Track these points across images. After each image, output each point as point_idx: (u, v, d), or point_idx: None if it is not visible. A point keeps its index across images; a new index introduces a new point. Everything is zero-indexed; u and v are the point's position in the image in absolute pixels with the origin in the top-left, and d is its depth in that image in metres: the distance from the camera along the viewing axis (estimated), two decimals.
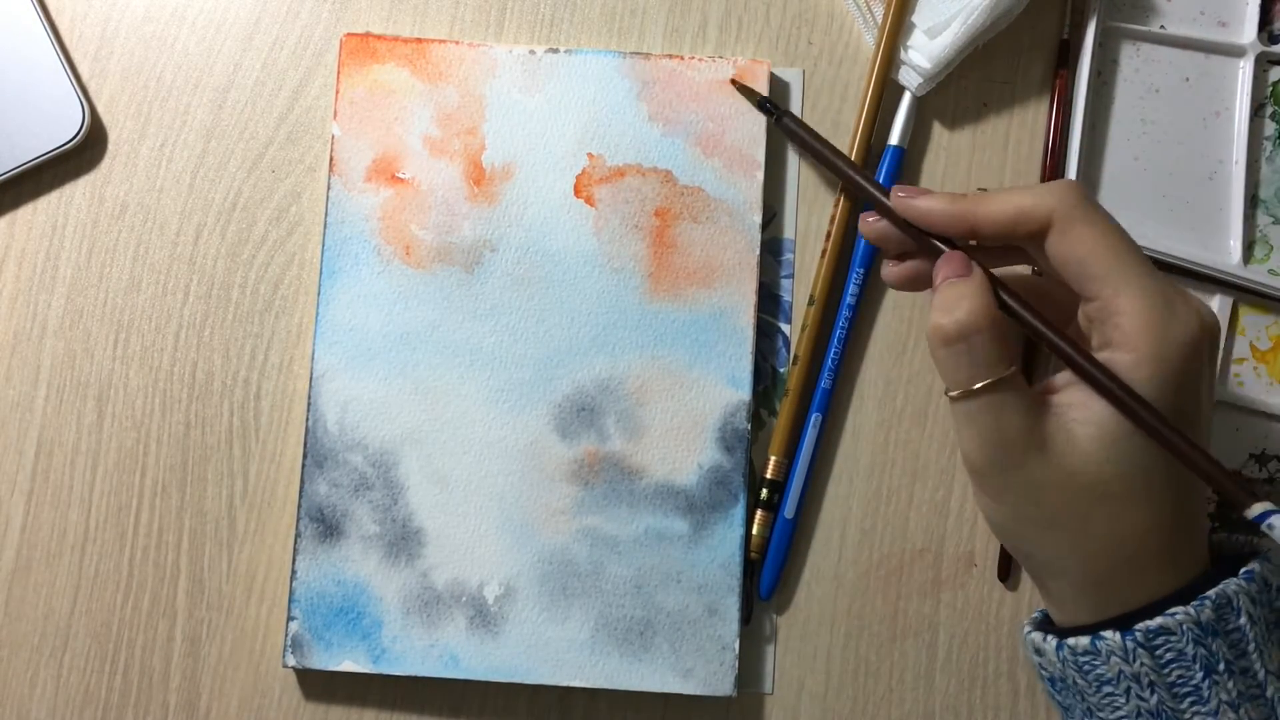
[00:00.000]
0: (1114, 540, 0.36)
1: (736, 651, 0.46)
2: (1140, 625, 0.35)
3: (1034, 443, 0.36)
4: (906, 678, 0.48)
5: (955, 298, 0.37)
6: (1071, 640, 0.36)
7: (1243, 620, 0.35)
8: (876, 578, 0.48)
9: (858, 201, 0.49)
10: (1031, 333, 0.37)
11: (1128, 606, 0.36)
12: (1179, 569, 0.36)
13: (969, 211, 0.38)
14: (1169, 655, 0.35)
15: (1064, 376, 0.37)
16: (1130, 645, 0.35)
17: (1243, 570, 0.36)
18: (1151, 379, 0.35)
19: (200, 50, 0.50)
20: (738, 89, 0.48)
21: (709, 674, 0.46)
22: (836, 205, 0.49)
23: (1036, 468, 0.36)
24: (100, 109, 0.50)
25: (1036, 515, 0.37)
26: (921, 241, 0.40)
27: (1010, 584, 0.48)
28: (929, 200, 0.39)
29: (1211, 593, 0.35)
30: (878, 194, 0.41)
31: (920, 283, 0.41)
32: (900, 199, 0.39)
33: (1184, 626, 0.34)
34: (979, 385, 0.36)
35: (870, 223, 0.41)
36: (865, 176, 0.42)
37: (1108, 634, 0.35)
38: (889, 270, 0.42)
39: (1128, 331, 0.35)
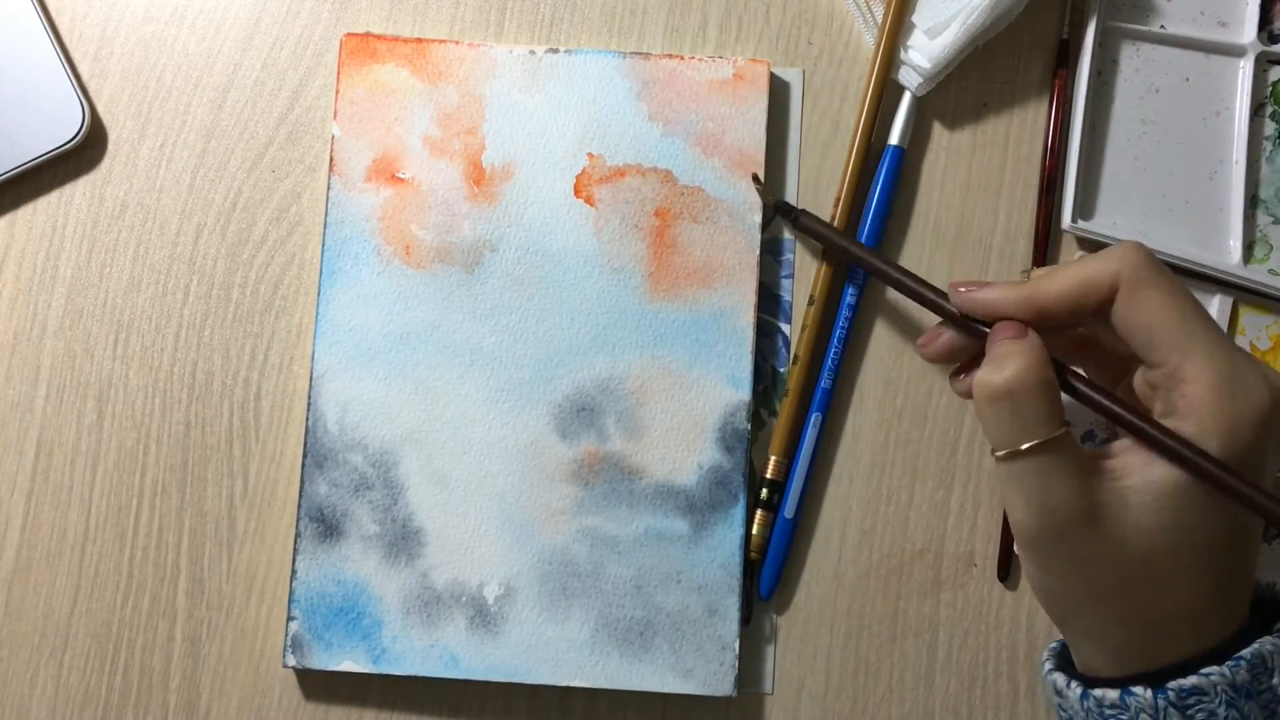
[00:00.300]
0: (1160, 613, 0.35)
1: (736, 651, 0.46)
2: (1174, 684, 0.34)
3: (1084, 508, 0.34)
4: (906, 678, 0.48)
5: (1005, 354, 0.36)
6: (1098, 692, 0.35)
7: (1276, 680, 0.34)
8: (876, 578, 0.48)
9: (858, 201, 0.49)
10: (1094, 407, 0.36)
11: (1159, 662, 0.35)
12: (1216, 628, 0.35)
13: (1035, 294, 0.37)
14: (1200, 715, 0.34)
15: (1120, 443, 0.36)
16: (1161, 704, 0.34)
17: (1277, 626, 0.35)
18: (1219, 452, 0.34)
19: (200, 50, 0.50)
20: (754, 181, 0.48)
21: (709, 674, 0.46)
22: (836, 205, 0.49)
23: (1086, 537, 0.35)
24: (100, 109, 0.50)
25: (1084, 588, 0.35)
26: (975, 332, 0.39)
27: (1010, 584, 0.48)
28: (991, 292, 0.38)
29: (1246, 652, 0.34)
30: (931, 294, 0.40)
31: (960, 354, 0.40)
32: (962, 294, 0.39)
33: (1218, 688, 0.33)
34: (1027, 445, 0.35)
35: (928, 345, 0.40)
36: (910, 275, 0.42)
37: (1138, 690, 0.34)
38: (928, 347, 0.41)
39: (1194, 402, 0.34)
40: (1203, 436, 0.34)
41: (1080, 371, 0.38)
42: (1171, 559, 0.34)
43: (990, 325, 0.39)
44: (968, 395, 0.40)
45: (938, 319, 0.42)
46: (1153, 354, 0.35)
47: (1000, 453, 0.36)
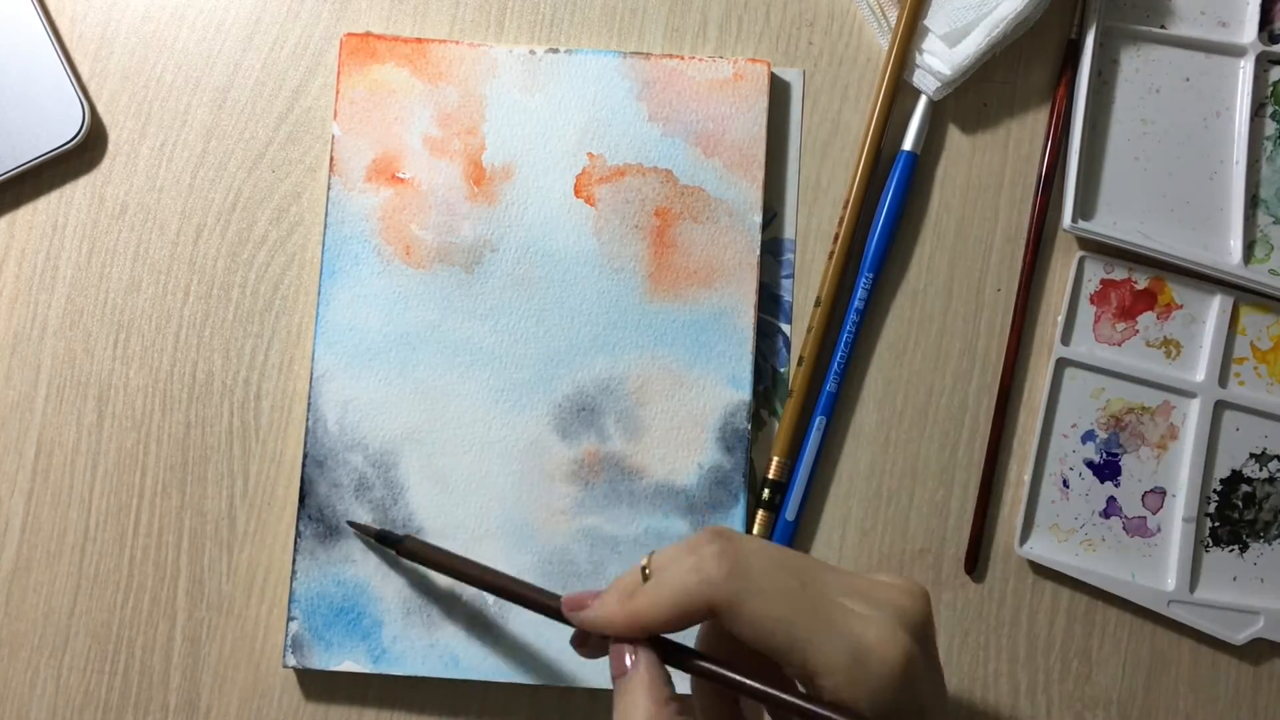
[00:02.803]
0: None
1: None
2: None
3: None
4: None
5: (623, 696, 0.35)
6: None
7: None
8: None
9: (866, 204, 0.49)
10: (737, 689, 0.35)
11: None
12: None
13: (636, 617, 0.35)
14: None
15: None
16: None
17: None
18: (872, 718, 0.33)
19: (200, 50, 0.50)
20: (354, 529, 0.46)
21: None
22: (846, 206, 0.50)
23: None
24: (100, 109, 0.50)
25: None
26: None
27: (976, 575, 0.48)
28: (597, 611, 0.36)
29: None
30: (548, 602, 0.39)
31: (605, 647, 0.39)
32: (573, 616, 0.38)
33: None
34: None
35: (580, 647, 0.39)
36: (524, 585, 0.41)
37: None
38: (579, 646, 0.39)
39: (831, 688, 0.34)
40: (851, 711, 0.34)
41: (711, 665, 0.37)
42: None
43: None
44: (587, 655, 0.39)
45: None
46: (775, 657, 0.35)
47: None
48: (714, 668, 0.36)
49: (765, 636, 0.34)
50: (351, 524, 0.46)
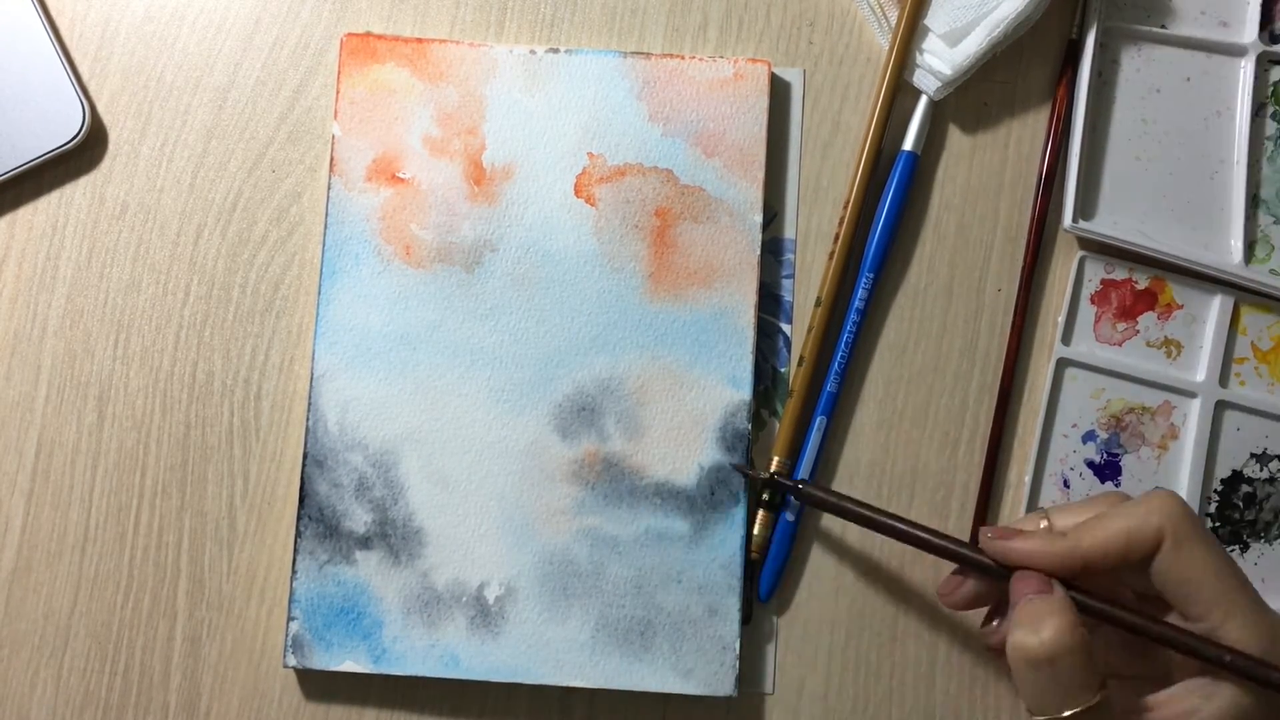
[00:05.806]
0: None
1: (737, 651, 0.46)
2: None
3: None
4: (907, 678, 0.48)
5: (1039, 615, 0.36)
6: None
7: None
8: (877, 577, 0.48)
9: (866, 204, 0.49)
10: (1145, 634, 0.37)
11: None
12: None
13: (1076, 548, 0.37)
14: None
15: (1167, 692, 0.36)
16: None
17: None
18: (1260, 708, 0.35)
19: (200, 50, 0.50)
20: (737, 469, 0.47)
21: (709, 674, 0.46)
22: (846, 206, 0.49)
23: None
24: (100, 109, 0.50)
25: None
26: (998, 574, 0.40)
27: None
28: (1030, 543, 0.38)
29: None
30: (952, 545, 0.40)
31: (982, 600, 0.41)
32: (994, 543, 0.39)
33: None
34: (1068, 713, 0.35)
35: (951, 595, 0.41)
36: (932, 532, 0.42)
37: None
38: (951, 596, 0.41)
39: (1238, 641, 0.35)
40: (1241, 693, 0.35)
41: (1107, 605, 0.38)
42: None
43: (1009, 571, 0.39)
44: (1000, 651, 0.40)
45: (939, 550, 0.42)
46: (1192, 609, 0.36)
47: (1040, 719, 0.36)
48: (1128, 615, 0.37)
49: (1196, 582, 0.35)
50: (736, 466, 0.46)
